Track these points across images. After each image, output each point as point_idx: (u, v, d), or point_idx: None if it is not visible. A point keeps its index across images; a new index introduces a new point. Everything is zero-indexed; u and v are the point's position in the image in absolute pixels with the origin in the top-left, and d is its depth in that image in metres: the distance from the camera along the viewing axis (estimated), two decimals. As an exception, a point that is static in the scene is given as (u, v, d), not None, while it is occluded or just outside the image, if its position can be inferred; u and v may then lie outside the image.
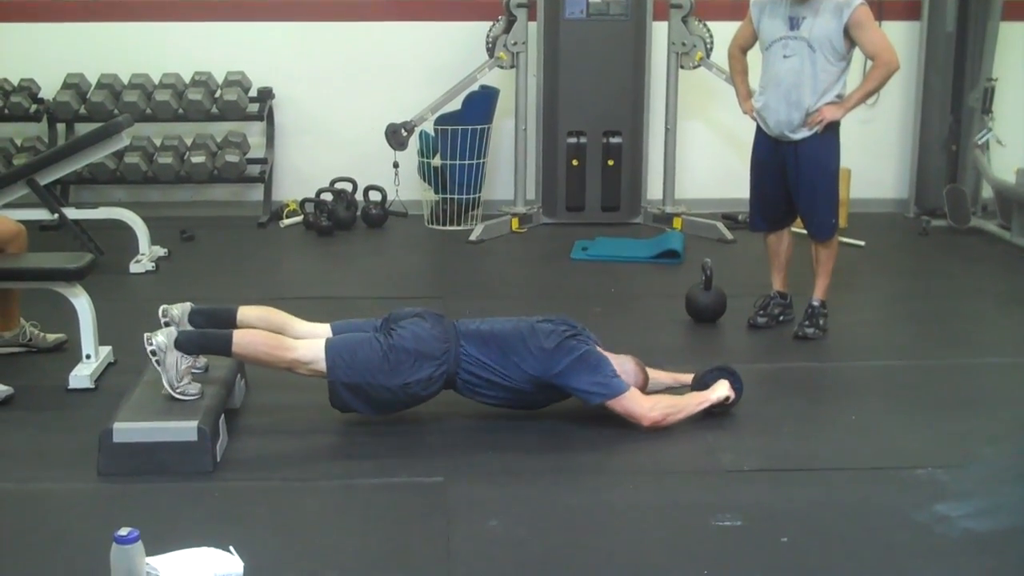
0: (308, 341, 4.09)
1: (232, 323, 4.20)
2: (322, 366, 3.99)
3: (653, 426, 4.10)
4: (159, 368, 3.94)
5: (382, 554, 3.35)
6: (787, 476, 3.85)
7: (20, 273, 4.72)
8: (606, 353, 4.23)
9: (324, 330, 4.25)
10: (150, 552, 2.84)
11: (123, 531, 2.75)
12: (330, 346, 4.02)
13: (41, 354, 4.96)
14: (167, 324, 4.12)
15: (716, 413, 4.27)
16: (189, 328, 4.15)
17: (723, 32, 6.78)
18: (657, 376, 4.38)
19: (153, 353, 3.95)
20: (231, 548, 3.03)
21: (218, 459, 3.85)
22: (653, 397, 4.20)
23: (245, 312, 4.26)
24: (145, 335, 3.98)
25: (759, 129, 5.29)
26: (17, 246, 4.87)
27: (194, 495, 3.67)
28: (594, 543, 3.40)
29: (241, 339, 3.99)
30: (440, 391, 4.13)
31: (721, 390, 4.25)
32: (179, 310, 4.21)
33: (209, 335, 4.06)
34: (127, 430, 3.78)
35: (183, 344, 3.96)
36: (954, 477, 3.81)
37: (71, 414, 4.35)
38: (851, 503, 3.64)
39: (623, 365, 4.23)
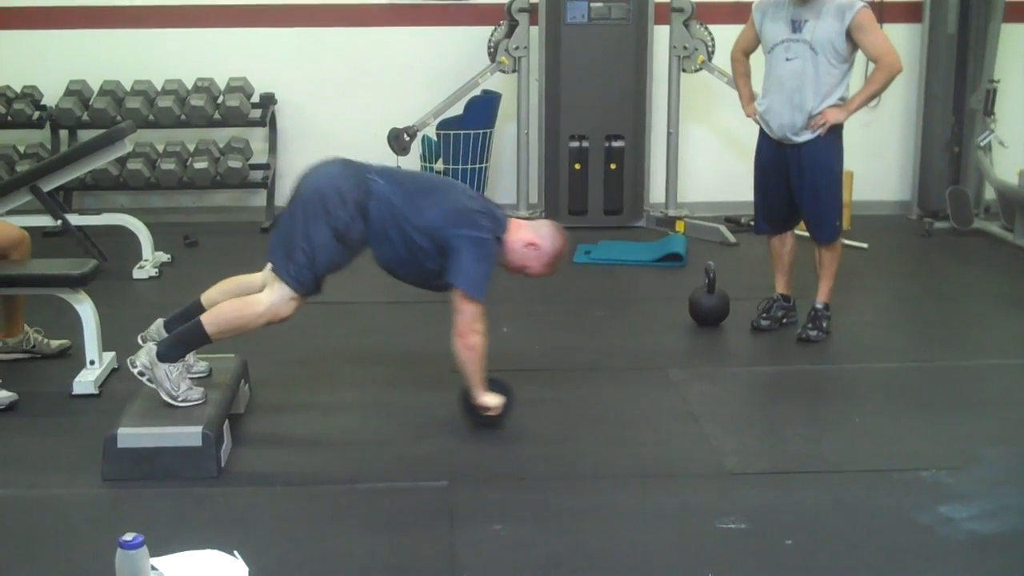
0: (267, 289, 4.02)
1: (201, 312, 4.13)
2: (289, 291, 3.95)
3: (459, 339, 4.03)
4: (153, 386, 3.95)
5: (387, 559, 3.35)
6: (791, 479, 3.85)
7: (24, 279, 4.72)
8: (527, 222, 4.24)
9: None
10: (155, 558, 2.84)
11: (128, 536, 2.75)
12: (279, 270, 3.98)
13: (45, 360, 4.97)
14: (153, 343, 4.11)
15: (475, 419, 4.21)
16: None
17: (724, 35, 6.80)
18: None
19: (141, 374, 3.97)
20: (236, 553, 3.04)
21: (222, 464, 3.85)
22: (483, 333, 4.08)
23: (207, 295, 4.22)
24: (128, 360, 4.02)
25: (762, 132, 5.30)
26: (21, 252, 4.88)
27: (199, 500, 3.67)
28: (599, 547, 3.40)
29: (209, 319, 3.98)
30: (366, 228, 3.99)
31: (492, 399, 4.16)
32: (154, 328, 4.21)
33: (182, 331, 4.04)
34: (131, 435, 3.78)
35: (164, 354, 3.96)
36: (958, 479, 3.81)
37: (75, 420, 4.35)
38: (855, 505, 3.64)
39: (539, 229, 4.19)
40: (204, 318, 3.99)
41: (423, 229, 3.98)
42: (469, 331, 4.03)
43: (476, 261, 3.99)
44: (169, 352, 3.97)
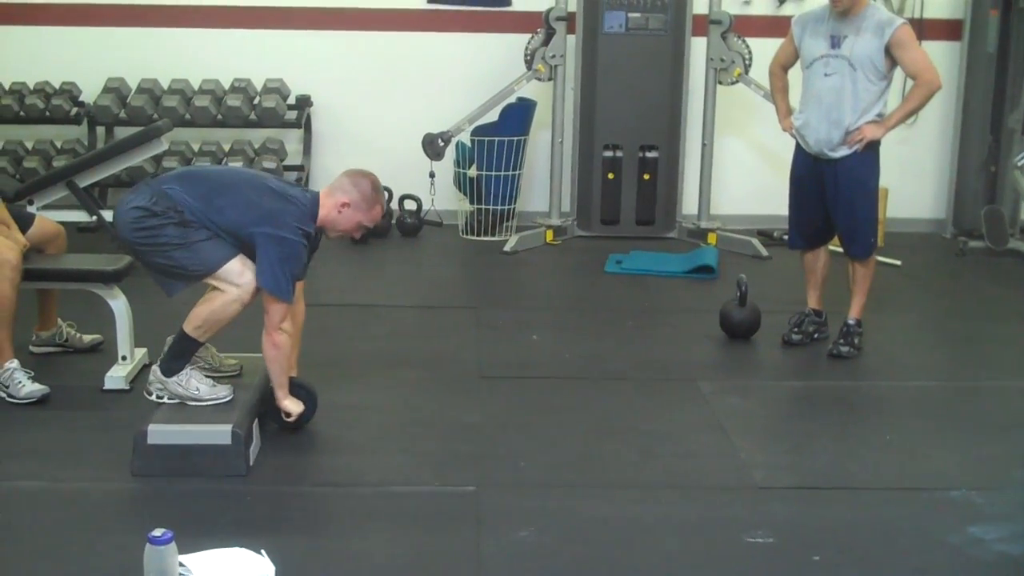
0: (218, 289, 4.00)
1: None
2: (231, 265, 3.93)
3: (266, 338, 3.97)
4: (176, 400, 4.01)
5: (412, 562, 3.35)
6: (820, 494, 3.83)
7: (59, 274, 4.76)
8: (327, 188, 4.13)
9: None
10: (183, 554, 2.86)
11: (157, 532, 2.77)
12: (196, 268, 3.97)
13: (77, 354, 5.01)
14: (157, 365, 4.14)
15: (278, 422, 4.17)
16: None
17: (761, 49, 6.79)
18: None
19: (159, 398, 4.02)
20: (262, 551, 3.05)
21: (251, 463, 3.87)
22: (289, 332, 4.05)
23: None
24: (144, 392, 4.09)
25: (798, 147, 5.28)
26: (56, 247, 4.92)
27: (227, 498, 3.68)
28: (624, 557, 3.39)
29: (188, 323, 4.00)
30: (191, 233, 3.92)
31: (291, 404, 4.12)
32: (152, 376, 4.19)
33: (173, 344, 4.07)
34: (162, 432, 3.81)
35: (167, 370, 4.02)
36: (989, 500, 3.77)
37: (106, 415, 4.38)
38: (884, 523, 3.61)
39: (341, 186, 4.10)
40: (185, 325, 4.02)
41: (227, 228, 3.94)
42: (275, 330, 3.98)
43: (279, 261, 3.91)
44: (170, 366, 4.01)
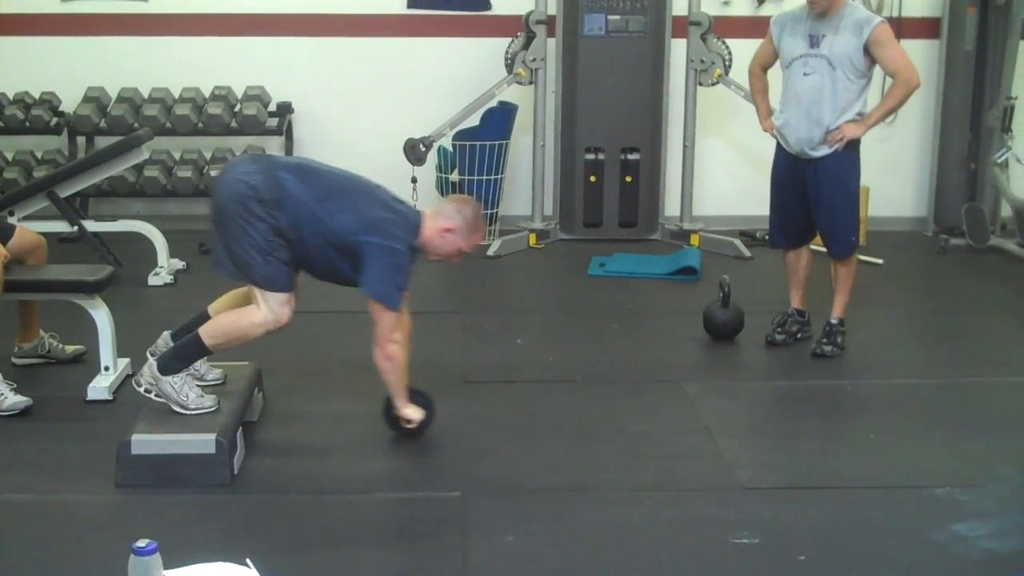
0: (256, 302, 3.98)
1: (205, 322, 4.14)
2: (272, 295, 3.92)
3: (378, 350, 3.99)
4: (163, 400, 3.96)
5: (399, 568, 3.35)
6: (805, 494, 3.84)
7: (40, 285, 4.74)
8: (432, 210, 4.17)
9: None
10: (168, 564, 2.84)
11: (141, 543, 2.75)
12: (242, 280, 3.96)
13: (60, 365, 4.99)
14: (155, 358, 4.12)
15: (395, 428, 4.21)
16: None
17: (741, 49, 6.79)
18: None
19: (147, 391, 3.99)
20: (248, 561, 3.03)
21: (235, 472, 3.86)
22: (401, 343, 4.05)
23: (214, 306, 4.22)
24: (133, 380, 4.03)
25: (779, 147, 5.29)
26: (37, 258, 4.90)
27: (212, 508, 3.68)
28: (611, 559, 3.39)
29: (207, 331, 3.98)
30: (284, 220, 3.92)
31: (413, 411, 4.15)
32: (162, 341, 4.23)
33: (181, 345, 4.05)
34: (145, 442, 3.79)
35: (165, 367, 3.97)
36: (973, 497, 3.79)
37: (89, 426, 4.36)
38: (869, 522, 3.62)
39: (445, 211, 4.14)
40: (202, 331, 3.99)
41: (335, 232, 3.93)
42: (387, 342, 3.99)
43: (389, 270, 3.94)
44: (170, 365, 3.98)
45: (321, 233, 3.92)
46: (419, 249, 4.10)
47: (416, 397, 4.18)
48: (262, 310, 3.94)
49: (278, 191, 3.89)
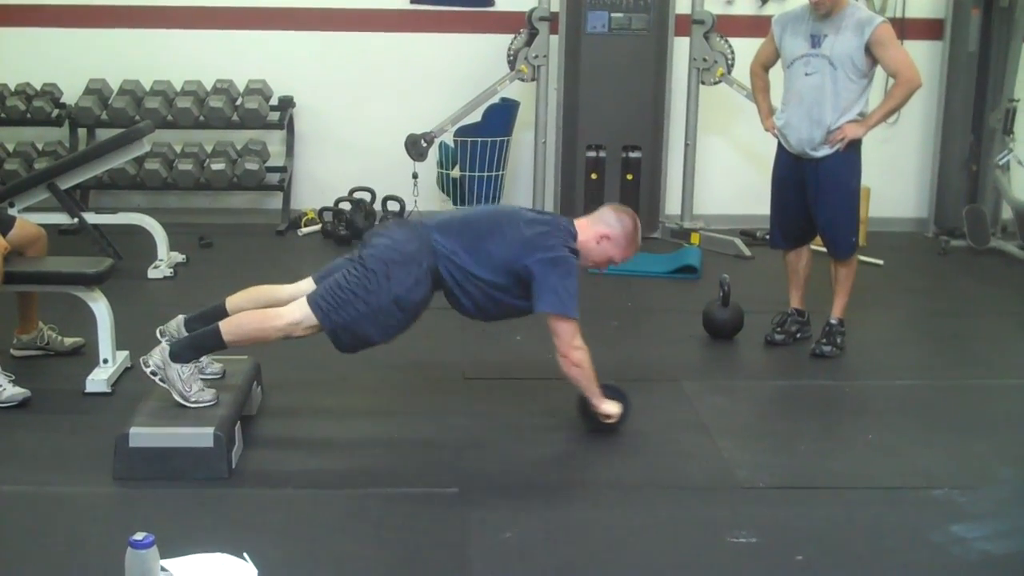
0: (292, 304, 4.01)
1: (223, 316, 4.13)
2: (313, 320, 3.94)
3: (562, 361, 4.04)
4: (165, 385, 3.95)
5: (396, 564, 3.35)
6: (803, 494, 3.84)
7: (40, 276, 4.73)
8: (588, 218, 4.21)
9: (308, 285, 4.18)
10: (165, 557, 2.84)
11: (138, 536, 2.75)
12: (312, 299, 3.97)
13: (58, 357, 4.98)
14: (166, 342, 4.12)
15: (594, 424, 4.22)
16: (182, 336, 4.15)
17: (744, 48, 6.78)
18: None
19: (153, 374, 3.97)
20: (245, 555, 3.03)
21: (233, 466, 3.86)
22: (584, 347, 4.08)
23: (232, 300, 4.21)
24: (141, 359, 4.02)
25: (780, 146, 5.29)
26: (37, 249, 4.89)
27: (209, 501, 3.67)
28: (608, 557, 3.39)
29: (228, 326, 3.97)
30: (431, 291, 4.03)
31: (612, 406, 4.18)
32: (175, 324, 4.21)
33: (198, 335, 4.04)
34: (143, 435, 3.79)
35: (177, 354, 3.96)
36: (971, 498, 3.79)
37: (87, 418, 4.36)
38: (867, 522, 3.62)
39: (604, 218, 4.19)
40: (223, 325, 3.98)
41: (496, 269, 4.00)
42: (570, 349, 4.04)
43: (558, 280, 3.98)
44: (183, 353, 3.97)
45: (481, 283, 4.02)
46: (578, 252, 4.13)
47: (609, 392, 4.21)
48: (292, 316, 3.96)
49: (431, 256, 3.99)
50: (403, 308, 3.98)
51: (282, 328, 3.96)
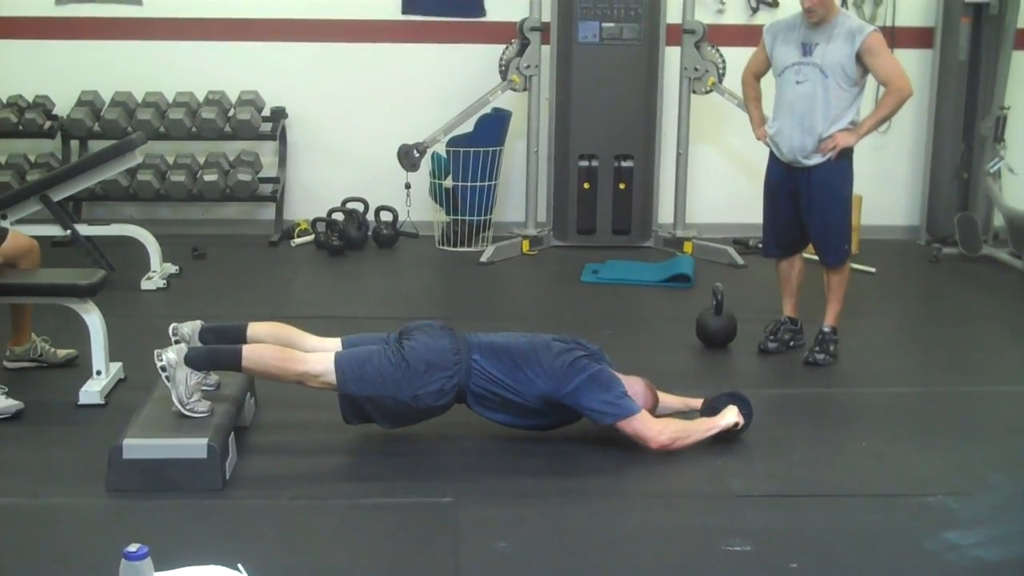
0: (318, 354, 4.09)
1: (242, 339, 4.20)
2: (332, 378, 3.99)
3: (661, 449, 4.10)
4: (169, 384, 3.95)
5: (390, 574, 3.35)
6: (797, 502, 3.84)
7: (32, 288, 4.73)
8: (617, 374, 4.23)
9: (334, 344, 4.26)
10: (159, 569, 2.84)
11: (132, 547, 2.75)
12: (339, 359, 4.03)
13: (52, 369, 4.97)
14: (177, 342, 4.13)
15: (724, 439, 4.25)
16: (200, 346, 4.15)
17: (735, 57, 6.81)
18: (667, 400, 4.38)
19: (163, 369, 3.96)
20: (239, 566, 3.03)
21: (227, 477, 3.85)
22: (662, 420, 4.19)
23: (255, 328, 4.27)
24: (156, 351, 4.00)
25: (772, 155, 5.30)
26: (30, 261, 4.89)
27: (203, 512, 3.67)
28: (602, 566, 3.39)
29: (251, 353, 4.00)
30: (452, 404, 4.13)
31: (730, 416, 4.23)
32: (189, 328, 4.22)
33: (219, 351, 4.07)
34: (137, 446, 3.78)
35: (193, 360, 3.97)
36: (964, 505, 3.79)
37: (81, 430, 4.35)
38: (861, 530, 3.62)
39: (633, 387, 4.22)
40: (246, 350, 4.02)
41: (539, 397, 4.09)
42: (657, 438, 4.11)
43: (604, 393, 4.08)
44: (199, 362, 3.99)
45: (516, 400, 4.11)
46: (601, 356, 4.25)
47: (717, 402, 4.30)
48: (312, 368, 4.02)
49: (466, 374, 4.08)
50: (419, 408, 4.08)
51: (301, 374, 4.02)
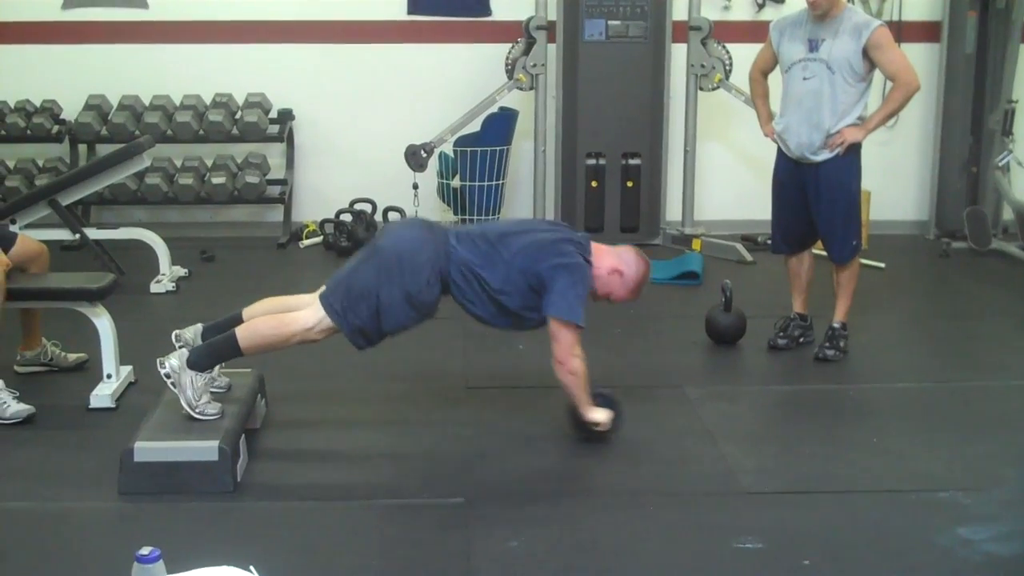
0: (305, 310, 4.03)
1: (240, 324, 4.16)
2: (328, 322, 3.96)
3: (559, 366, 4.02)
4: (176, 390, 3.96)
5: (403, 574, 3.34)
6: (808, 498, 3.84)
7: (42, 293, 4.74)
8: (609, 247, 4.22)
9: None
10: (171, 572, 2.84)
11: (144, 550, 2.75)
12: (324, 298, 3.99)
13: (62, 373, 4.99)
14: (182, 347, 4.13)
15: (584, 433, 4.20)
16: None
17: (742, 54, 6.80)
18: None
19: (167, 376, 3.97)
20: (252, 568, 3.03)
21: (238, 479, 3.86)
22: (582, 356, 4.07)
23: (249, 311, 4.23)
24: (158, 360, 4.02)
25: (780, 151, 5.29)
26: (39, 266, 4.90)
27: (215, 515, 3.67)
28: (614, 564, 3.39)
29: (244, 333, 4.00)
30: (440, 294, 4.05)
31: (601, 414, 4.16)
32: (191, 332, 4.22)
33: (215, 343, 4.06)
34: (148, 449, 3.79)
35: (195, 361, 3.97)
36: (976, 500, 3.79)
37: (92, 433, 4.36)
38: (872, 526, 3.62)
39: (623, 255, 4.20)
40: (239, 331, 4.01)
41: (510, 279, 4.01)
42: (568, 357, 4.03)
43: (570, 286, 3.99)
44: (200, 360, 3.99)
45: (494, 293, 4.03)
46: (591, 264, 4.14)
47: (599, 400, 4.21)
48: (308, 320, 3.99)
49: (445, 261, 4.02)
50: (415, 307, 4.00)
51: (298, 332, 3.99)
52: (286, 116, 7.76)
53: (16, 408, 4.40)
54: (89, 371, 4.93)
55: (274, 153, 7.91)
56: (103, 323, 4.64)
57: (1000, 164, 7.38)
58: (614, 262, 4.18)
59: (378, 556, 3.45)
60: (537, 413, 4.59)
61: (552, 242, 4.05)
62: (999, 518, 3.66)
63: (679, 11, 7.55)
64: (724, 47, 7.39)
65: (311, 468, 4.11)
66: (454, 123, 7.33)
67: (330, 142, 7.94)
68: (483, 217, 7.52)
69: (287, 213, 7.79)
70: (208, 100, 7.71)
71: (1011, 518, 3.67)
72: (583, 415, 4.16)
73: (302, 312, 4.03)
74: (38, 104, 7.66)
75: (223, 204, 7.74)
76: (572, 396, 4.12)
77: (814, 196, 5.16)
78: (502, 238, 4.08)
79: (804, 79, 5.07)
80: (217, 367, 4.15)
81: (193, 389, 3.96)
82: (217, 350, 4.04)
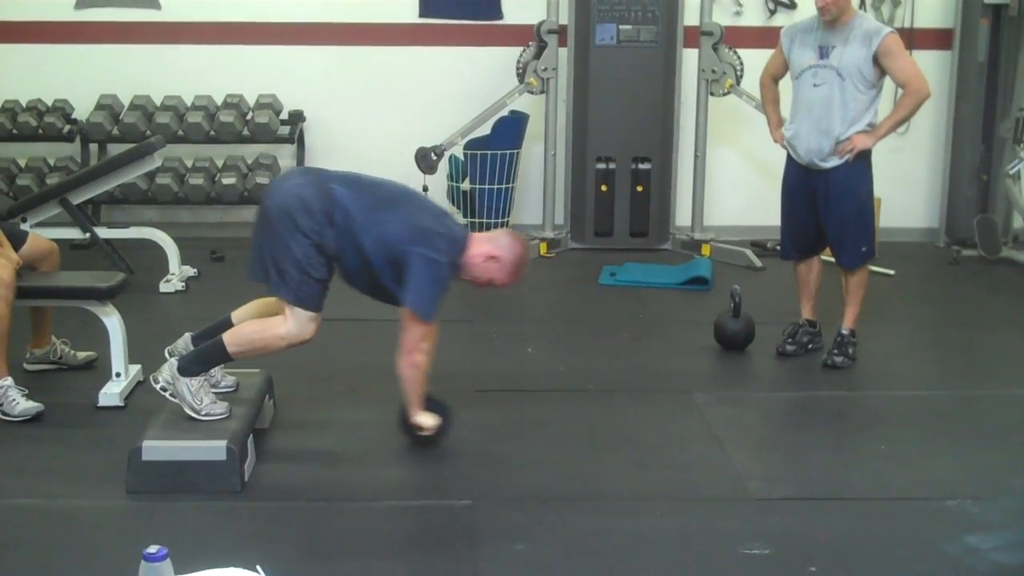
0: (284, 315, 3.99)
1: (229, 328, 4.15)
2: (301, 312, 3.94)
3: (404, 357, 3.99)
4: (176, 400, 3.97)
5: (409, 577, 3.35)
6: (816, 505, 3.83)
7: (52, 291, 4.75)
8: (484, 235, 4.22)
9: None
10: (178, 571, 2.84)
11: (152, 549, 2.75)
12: (275, 288, 3.96)
13: (71, 371, 5.00)
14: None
15: (410, 436, 4.19)
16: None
17: (753, 60, 6.80)
18: None
19: (164, 389, 4.00)
20: (259, 568, 3.03)
21: (246, 479, 3.87)
22: (428, 353, 4.06)
23: (237, 314, 4.23)
24: (151, 377, 4.04)
25: (790, 157, 5.29)
26: (49, 264, 4.92)
27: (222, 514, 3.68)
28: (620, 569, 3.39)
29: (231, 337, 4.00)
30: (334, 234, 3.94)
31: (428, 419, 4.13)
32: (182, 343, 4.23)
33: (204, 348, 4.07)
34: (156, 448, 3.80)
35: (185, 368, 3.99)
36: (984, 509, 3.78)
37: (100, 432, 4.37)
38: (880, 533, 3.62)
39: (497, 240, 4.16)
40: (226, 337, 4.01)
41: (381, 242, 3.93)
42: (414, 350, 4.00)
43: (428, 283, 3.94)
44: (190, 367, 3.99)
45: (363, 244, 3.94)
46: (459, 267, 4.09)
47: (431, 405, 4.17)
48: (288, 324, 3.96)
49: (329, 202, 3.92)
50: (323, 252, 3.93)
51: (284, 336, 3.98)
52: (297, 117, 7.77)
53: (25, 406, 4.41)
54: (98, 369, 4.94)
55: (285, 154, 7.92)
56: (112, 322, 4.65)
57: (1011, 172, 7.37)
58: (489, 248, 4.11)
59: (385, 558, 3.45)
60: (545, 416, 4.60)
61: (430, 231, 3.98)
62: (1007, 527, 3.65)
63: (690, 16, 7.56)
64: (735, 52, 7.39)
65: (319, 469, 4.11)
66: (465, 126, 7.33)
67: (340, 144, 7.93)
68: (493, 221, 7.52)
69: (297, 214, 7.78)
70: (219, 101, 7.72)
71: (1019, 527, 3.67)
72: (411, 416, 4.13)
73: (282, 318, 4.00)
74: (50, 103, 7.67)
75: (233, 205, 7.74)
76: (406, 392, 4.08)
77: (823, 202, 5.16)
78: (387, 201, 4.02)
79: (814, 86, 5.07)
80: (218, 369, 4.16)
81: (191, 395, 3.97)
82: (206, 355, 4.05)
